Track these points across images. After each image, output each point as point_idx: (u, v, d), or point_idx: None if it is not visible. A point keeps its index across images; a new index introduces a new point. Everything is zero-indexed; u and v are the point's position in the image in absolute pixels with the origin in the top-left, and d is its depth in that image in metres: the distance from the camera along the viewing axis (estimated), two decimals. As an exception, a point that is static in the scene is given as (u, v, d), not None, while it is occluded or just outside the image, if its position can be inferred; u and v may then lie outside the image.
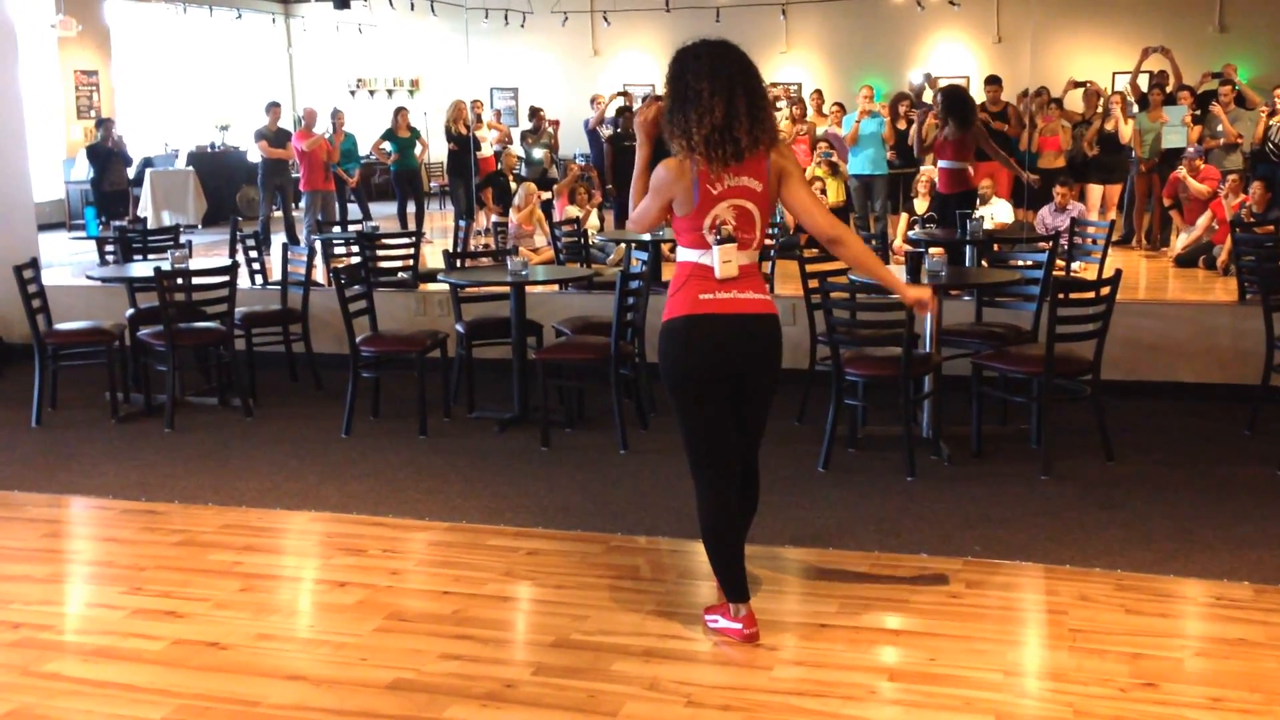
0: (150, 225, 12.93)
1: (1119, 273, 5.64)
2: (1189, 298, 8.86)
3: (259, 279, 8.54)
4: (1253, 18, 15.13)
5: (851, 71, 16.34)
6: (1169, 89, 11.97)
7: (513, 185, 11.86)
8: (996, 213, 10.53)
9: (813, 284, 5.99)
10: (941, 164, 9.11)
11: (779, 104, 13.05)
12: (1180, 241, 10.71)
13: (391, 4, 16.27)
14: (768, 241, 8.18)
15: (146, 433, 6.48)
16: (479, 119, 13.33)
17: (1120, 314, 5.78)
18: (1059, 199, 10.50)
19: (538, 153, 13.56)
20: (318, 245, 8.91)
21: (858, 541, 4.60)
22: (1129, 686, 3.40)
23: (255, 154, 13.67)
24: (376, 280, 7.58)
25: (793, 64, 17.40)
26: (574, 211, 10.86)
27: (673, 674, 3.52)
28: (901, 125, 11.70)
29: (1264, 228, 8.73)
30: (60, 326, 6.95)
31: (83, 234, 13.92)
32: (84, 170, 14.64)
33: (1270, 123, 10.93)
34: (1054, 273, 6.49)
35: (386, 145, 13.20)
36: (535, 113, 14.32)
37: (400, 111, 13.33)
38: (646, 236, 8.10)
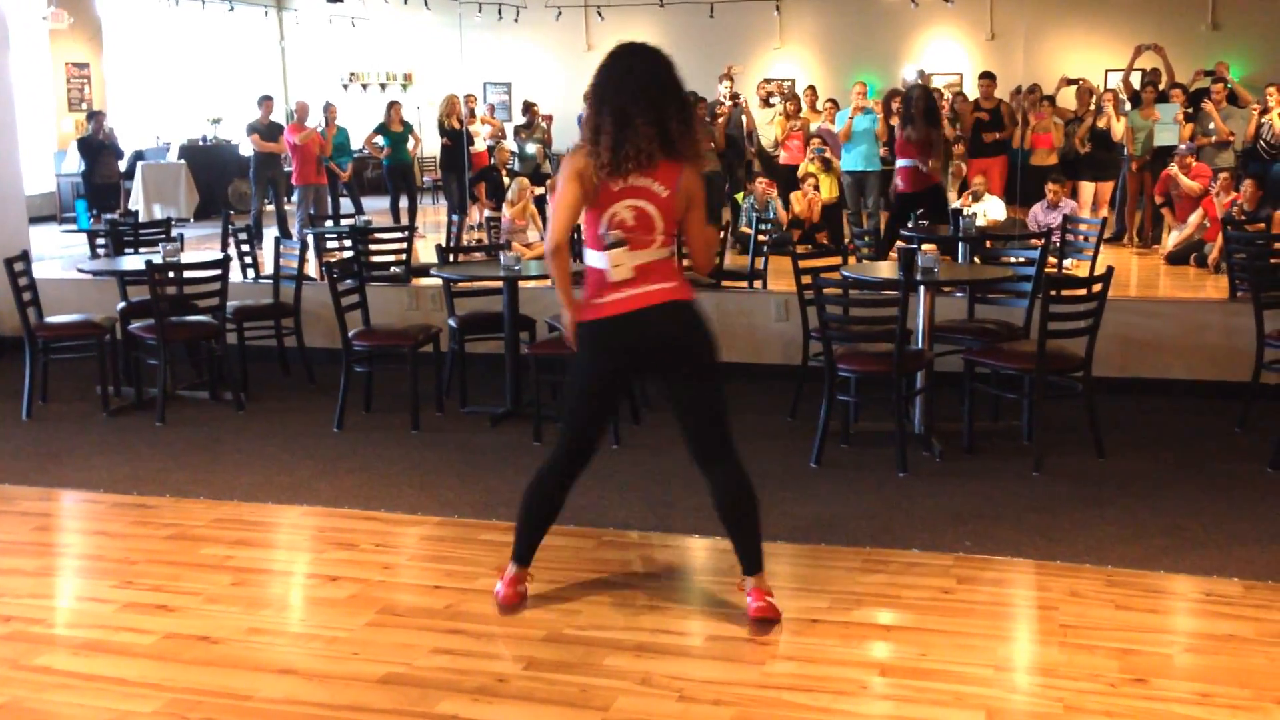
0: (141, 218, 12.90)
1: (1110, 270, 5.65)
2: (1180, 295, 8.88)
3: (251, 273, 8.52)
4: (1245, 15, 15.18)
5: (845, 68, 16.36)
6: (1161, 86, 12.00)
7: (506, 180, 11.85)
8: (989, 209, 10.54)
9: (806, 280, 6.00)
10: (903, 163, 9.11)
11: (773, 100, 13.06)
12: (1172, 239, 10.73)
13: (385, -2, 16.26)
14: (760, 237, 8.22)
15: (138, 426, 6.46)
16: (472, 113, 13.31)
17: (1112, 311, 5.79)
18: (1051, 196, 10.52)
19: (531, 147, 13.55)
20: (310, 239, 8.89)
21: (849, 537, 4.61)
22: (1119, 682, 3.41)
23: (247, 147, 13.63)
24: (369, 274, 7.57)
25: (786, 60, 17.41)
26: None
27: (665, 669, 3.53)
28: (894, 122, 11.70)
29: (1255, 225, 8.76)
30: (51, 319, 6.94)
31: (74, 227, 13.87)
32: (75, 163, 14.58)
33: (1262, 120, 10.96)
34: (1046, 270, 6.50)
35: (379, 139, 13.17)
36: (529, 107, 14.30)
37: (393, 105, 13.30)
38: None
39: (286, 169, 12.92)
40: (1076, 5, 15.47)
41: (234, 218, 9.99)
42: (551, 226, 3.73)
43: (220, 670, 3.57)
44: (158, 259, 6.78)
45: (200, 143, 17.10)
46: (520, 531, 3.99)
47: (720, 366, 3.82)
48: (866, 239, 8.93)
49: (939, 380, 6.00)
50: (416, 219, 13.10)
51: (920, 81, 13.78)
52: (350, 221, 9.55)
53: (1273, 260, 6.71)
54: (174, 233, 8.49)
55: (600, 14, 17.07)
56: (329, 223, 10.34)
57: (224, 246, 8.67)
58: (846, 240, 10.88)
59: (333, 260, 7.52)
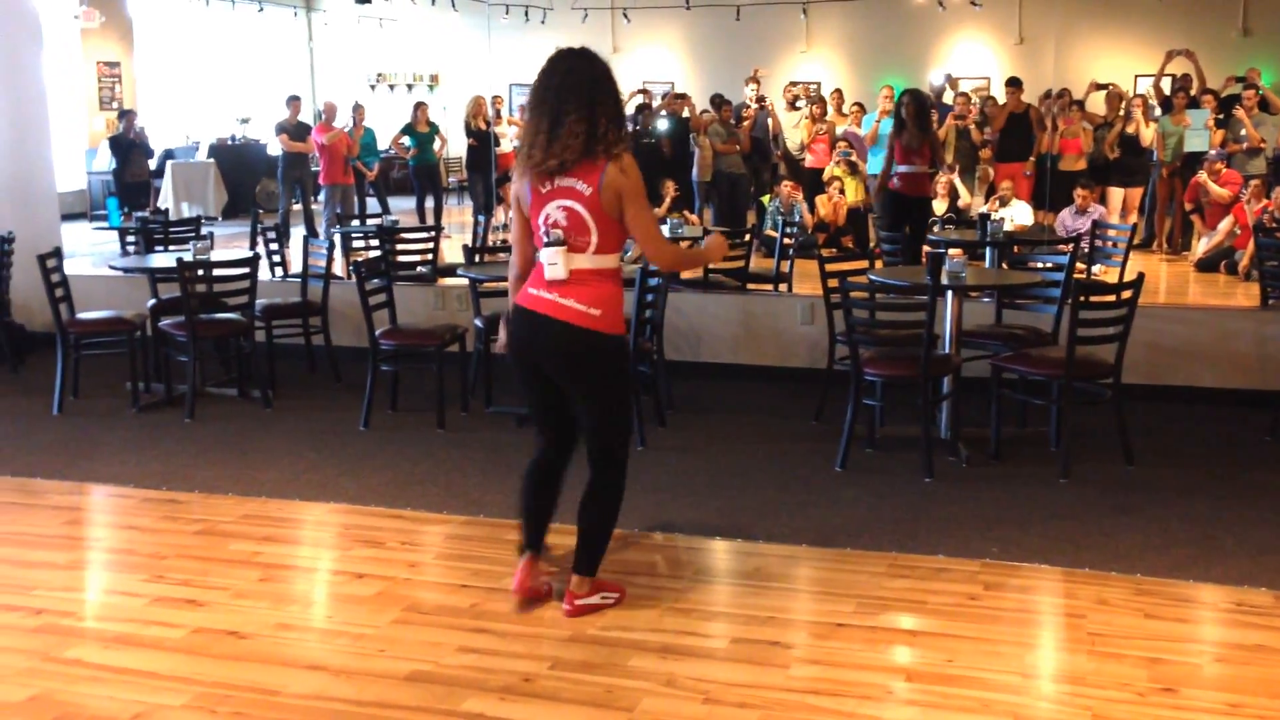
0: (171, 216, 12.99)
1: (1141, 276, 5.62)
2: (1210, 302, 8.82)
3: (279, 271, 8.57)
4: (1277, 21, 15.05)
5: (872, 71, 16.31)
6: (1192, 92, 11.91)
7: (532, 181, 11.85)
8: (1016, 215, 10.50)
9: (832, 283, 5.99)
10: (901, 169, 9.00)
11: (799, 103, 13.03)
12: (1201, 246, 10.65)
13: (413, -1, 16.33)
14: (786, 240, 8.21)
15: (167, 422, 6.51)
16: (498, 114, 13.34)
17: (1141, 318, 5.75)
18: (1080, 202, 10.47)
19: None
20: (337, 238, 8.94)
21: (875, 542, 4.60)
22: (1147, 691, 3.39)
23: (275, 147, 13.71)
24: (396, 274, 7.60)
25: (813, 63, 17.38)
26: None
27: (689, 671, 3.53)
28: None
29: (1286, 233, 8.68)
30: (82, 316, 7.00)
31: (105, 224, 13.97)
32: (106, 161, 14.71)
33: (1294, 127, 10.87)
34: (1074, 276, 6.46)
35: (406, 140, 13.22)
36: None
37: (420, 106, 13.35)
38: (663, 233, 8.11)
39: (314, 169, 12.99)
40: (1107, 9, 15.37)
41: (262, 216, 10.06)
42: (516, 263, 3.95)
43: (249, 665, 3.60)
44: (188, 257, 6.84)
45: (229, 142, 17.21)
46: (521, 516, 4.09)
47: (605, 392, 3.83)
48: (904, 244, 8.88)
49: (966, 385, 5.97)
50: (442, 219, 13.16)
51: (949, 86, 13.73)
52: (377, 221, 9.59)
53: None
54: (203, 231, 8.55)
55: (627, 16, 17.08)
56: (356, 222, 10.38)
57: (253, 245, 8.72)
58: (872, 244, 10.85)
59: (360, 259, 7.57)
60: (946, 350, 5.87)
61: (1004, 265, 7.68)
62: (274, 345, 7.37)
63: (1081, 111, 12.07)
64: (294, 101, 13.11)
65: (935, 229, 9.08)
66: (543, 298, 3.76)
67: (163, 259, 7.27)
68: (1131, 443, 5.59)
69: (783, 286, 8.07)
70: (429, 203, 13.22)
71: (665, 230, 8.40)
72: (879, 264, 8.01)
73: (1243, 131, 11.25)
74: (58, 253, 7.10)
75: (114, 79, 16.73)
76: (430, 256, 8.25)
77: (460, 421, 6.45)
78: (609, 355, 3.79)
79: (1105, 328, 5.45)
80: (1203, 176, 10.75)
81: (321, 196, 12.78)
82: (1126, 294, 5.50)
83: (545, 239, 3.75)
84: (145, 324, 7.05)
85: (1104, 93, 12.25)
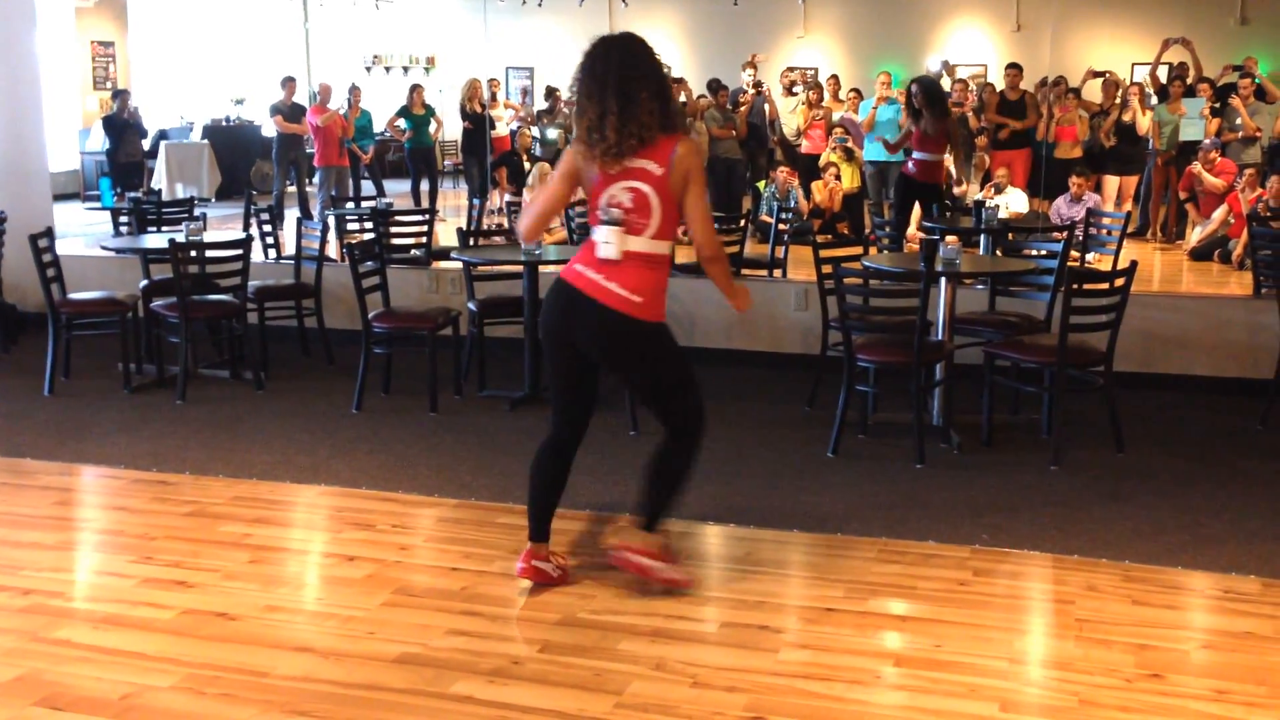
0: (164, 197, 12.95)
1: (1134, 264, 5.62)
2: (1204, 291, 8.82)
3: (272, 253, 8.55)
4: (1274, 10, 15.02)
5: (869, 57, 16.25)
6: (1189, 81, 11.89)
7: (527, 165, 11.85)
8: (1011, 202, 10.49)
9: (826, 269, 5.98)
10: (919, 155, 9.03)
11: (796, 89, 13.00)
12: (1196, 234, 10.65)
13: (409, -20, 16.25)
14: (781, 226, 8.20)
15: (158, 404, 6.50)
16: (494, 97, 13.30)
17: (1134, 306, 5.75)
18: (1075, 189, 10.46)
19: (552, 133, 13.54)
20: (331, 221, 8.91)
21: (866, 527, 4.61)
22: (1135, 677, 3.40)
23: (270, 128, 13.67)
24: (389, 257, 7.58)
25: (810, 49, 17.32)
26: (587, 192, 10.84)
27: (679, 654, 3.53)
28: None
29: (1280, 222, 8.68)
30: (74, 296, 6.97)
31: (97, 204, 13.95)
32: (99, 141, 14.65)
33: (1290, 116, 10.86)
34: (1068, 263, 6.46)
35: (401, 122, 13.18)
36: (551, 93, 14.29)
37: (416, 89, 13.31)
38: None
39: (309, 150, 12.94)
40: (1104, -3, 15.34)
41: (256, 198, 10.03)
42: (527, 221, 3.90)
43: (237, 646, 3.60)
44: (181, 238, 6.82)
45: (223, 123, 17.14)
46: (529, 504, 4.05)
47: (654, 369, 3.82)
48: (887, 229, 8.90)
49: (958, 372, 5.98)
50: (437, 202, 13.13)
51: (945, 73, 13.70)
52: (371, 204, 9.56)
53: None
54: (197, 212, 8.52)
55: (624, 0, 17.02)
56: (350, 204, 10.36)
57: (246, 226, 8.70)
58: (867, 230, 10.84)
59: (354, 242, 7.54)
60: (939, 337, 5.87)
61: (998, 252, 7.68)
62: (266, 327, 7.36)
63: (1078, 99, 12.05)
64: (289, 83, 13.06)
65: (929, 215, 9.07)
66: (587, 276, 3.73)
67: (155, 240, 7.25)
68: (1123, 430, 5.60)
69: (777, 272, 8.06)
70: (424, 185, 13.19)
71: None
72: (873, 250, 8.00)
73: (1238, 120, 11.24)
74: (50, 233, 7.08)
75: (108, 59, 16.65)
76: (424, 239, 8.23)
77: (453, 405, 6.44)
78: (649, 338, 3.76)
79: (1098, 315, 5.45)
80: (1197, 168, 10.74)
81: (316, 178, 12.75)
82: (1119, 282, 5.50)
83: (602, 217, 3.72)
84: (137, 305, 7.03)
85: (1100, 80, 12.22)
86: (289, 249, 8.33)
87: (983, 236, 7.81)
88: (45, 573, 4.18)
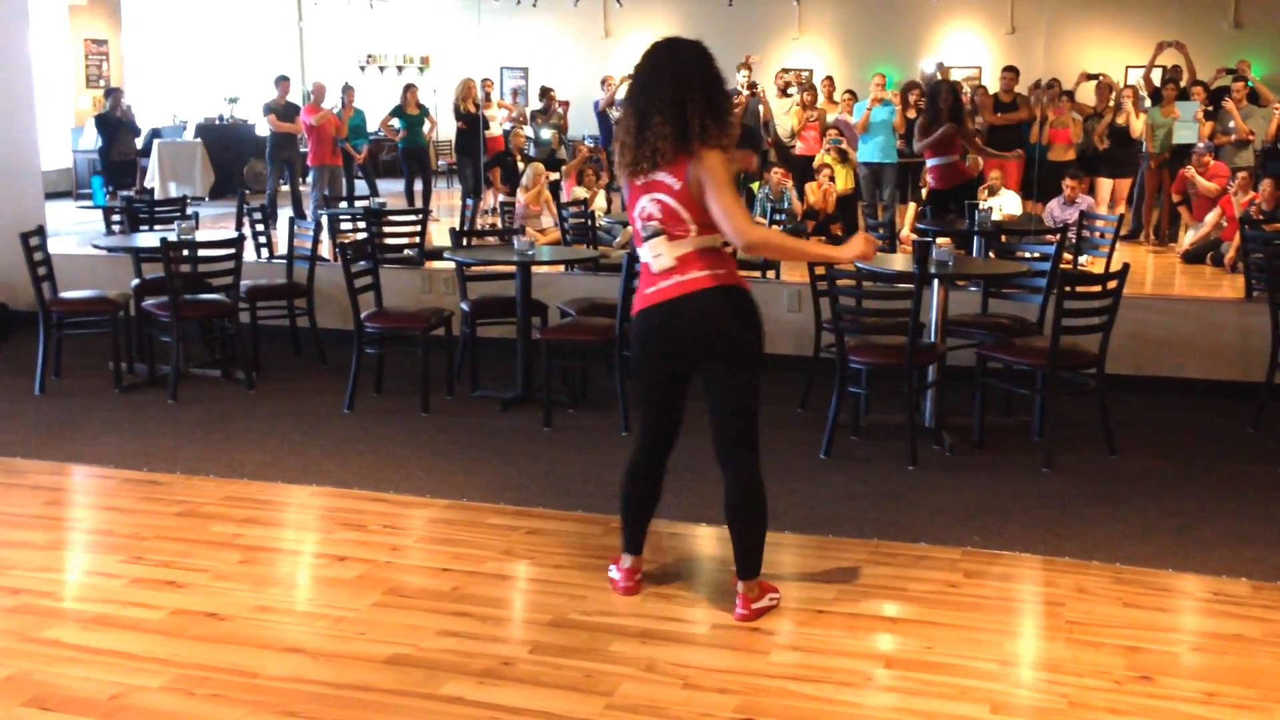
0: (157, 196, 12.93)
1: (1126, 267, 5.63)
2: (1196, 294, 8.84)
3: (265, 252, 8.53)
4: (1268, 14, 15.04)
5: (864, 59, 16.26)
6: (1182, 84, 11.92)
7: (520, 165, 11.84)
8: (1005, 204, 10.50)
9: (819, 271, 5.98)
10: (934, 161, 9.05)
11: (790, 90, 13.00)
12: (1188, 237, 10.68)
13: (403, -20, 16.24)
14: (775, 227, 8.20)
15: (149, 403, 6.48)
16: (488, 98, 13.29)
17: (1126, 308, 5.76)
18: (1068, 192, 10.47)
19: (546, 133, 13.53)
20: (324, 220, 8.90)
21: (857, 529, 4.61)
22: (1124, 679, 3.41)
23: (263, 127, 13.65)
24: (382, 257, 7.57)
25: (805, 50, 17.33)
26: (581, 193, 10.85)
27: (670, 656, 3.53)
28: (912, 114, 11.64)
29: (1273, 225, 8.70)
30: (65, 295, 6.95)
31: (89, 203, 13.91)
32: (92, 139, 14.61)
33: (1283, 120, 10.88)
34: (1061, 266, 6.47)
35: (395, 122, 13.17)
36: (545, 93, 14.27)
37: (410, 89, 13.29)
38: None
39: (302, 150, 12.92)
40: (1098, 1, 15.36)
41: (249, 197, 10.00)
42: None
43: (227, 647, 3.59)
44: (173, 237, 6.80)
45: (217, 122, 17.11)
46: (622, 519, 4.02)
47: (755, 361, 3.74)
48: (881, 231, 8.90)
49: (951, 374, 5.98)
50: (431, 202, 13.11)
51: (940, 75, 13.72)
52: (365, 203, 9.55)
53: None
54: (189, 211, 8.50)
55: (619, 1, 17.02)
56: (344, 204, 10.34)
57: (239, 226, 8.68)
58: (861, 232, 10.83)
59: (346, 242, 7.53)
60: (932, 339, 5.87)
61: (991, 254, 7.69)
62: (259, 327, 7.34)
63: (1071, 102, 12.07)
64: (283, 82, 13.03)
65: (924, 217, 9.08)
66: (664, 286, 3.67)
67: (147, 239, 7.23)
68: (1114, 433, 5.61)
69: (770, 274, 8.06)
70: (418, 185, 13.17)
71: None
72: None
73: (1231, 124, 11.27)
74: (41, 231, 7.05)
75: (101, 57, 16.61)
76: (417, 239, 8.23)
77: (445, 405, 6.43)
78: (746, 310, 3.68)
79: (1090, 318, 5.45)
80: (1190, 171, 10.76)
81: (309, 178, 12.73)
82: (1112, 284, 5.51)
83: (644, 233, 3.70)
84: (129, 304, 7.02)
85: (1094, 83, 12.25)
86: (281, 248, 8.32)
87: (976, 238, 7.82)
88: (35, 572, 4.17)
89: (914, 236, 8.60)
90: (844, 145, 11.90)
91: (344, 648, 3.58)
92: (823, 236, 11.00)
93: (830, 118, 12.52)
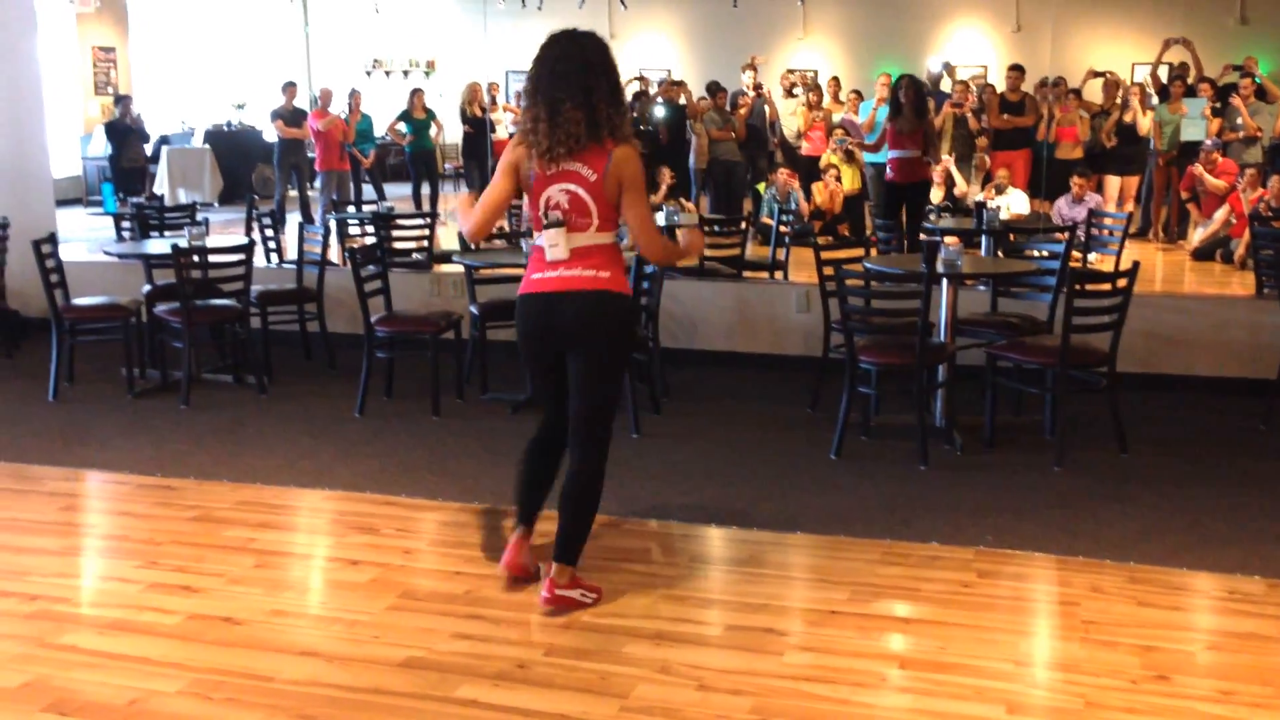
0: (166, 203, 12.97)
1: (1136, 264, 5.62)
2: (1206, 291, 8.83)
3: (275, 258, 8.55)
4: (1275, 10, 15.01)
5: (869, 59, 16.26)
6: (1189, 81, 11.89)
7: (528, 168, 11.85)
8: (1013, 203, 10.50)
9: (827, 271, 5.98)
10: (894, 154, 9.07)
11: (796, 90, 13.00)
12: (1198, 234, 10.66)
13: (409, -16, 16.27)
14: (782, 228, 8.21)
15: (162, 409, 6.51)
16: (494, 101, 13.31)
17: (1136, 306, 5.75)
18: (1076, 190, 10.46)
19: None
20: (333, 225, 8.92)
21: (869, 529, 4.61)
22: (1140, 678, 3.40)
23: (271, 133, 13.68)
24: (391, 260, 7.59)
25: (810, 50, 17.33)
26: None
27: (683, 657, 3.54)
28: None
29: (1282, 221, 8.68)
30: (77, 302, 6.98)
31: (100, 210, 13.95)
32: (101, 146, 14.67)
33: (1290, 115, 10.86)
34: (1070, 264, 6.47)
35: (402, 126, 13.19)
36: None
37: (416, 93, 13.32)
38: (660, 220, 8.11)
39: (310, 155, 12.96)
40: (1104, -2, 15.34)
41: (258, 203, 10.03)
42: (475, 218, 3.91)
43: (243, 651, 3.60)
44: (183, 243, 6.82)
45: (225, 128, 17.15)
46: (514, 495, 4.13)
47: (618, 363, 3.88)
48: (889, 231, 8.90)
49: (961, 374, 5.98)
50: (439, 205, 13.14)
51: (946, 74, 13.71)
52: (373, 207, 9.57)
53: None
54: (199, 217, 8.53)
55: (624, 2, 17.00)
56: (352, 208, 10.37)
57: (248, 231, 8.71)
58: (868, 232, 10.84)
59: (355, 246, 7.55)
60: (941, 338, 5.87)
61: (1000, 253, 7.68)
62: (269, 332, 7.36)
63: (1078, 100, 12.05)
64: (290, 87, 13.08)
65: (931, 217, 9.08)
66: (548, 278, 3.77)
67: (158, 245, 7.25)
68: (1126, 431, 5.60)
69: (778, 274, 8.07)
70: (425, 189, 13.20)
71: (660, 218, 8.39)
72: (874, 252, 8.01)
73: (1239, 120, 11.24)
74: (53, 238, 7.07)
75: (109, 64, 16.67)
76: (426, 243, 8.24)
77: (455, 408, 6.45)
78: (619, 316, 3.80)
79: (1100, 316, 5.45)
80: (1198, 168, 10.74)
81: (317, 183, 12.76)
82: (1121, 282, 5.50)
83: (544, 220, 3.76)
84: (140, 310, 7.04)
85: (1101, 81, 12.23)
86: (291, 253, 8.34)
87: (984, 238, 7.81)
88: (51, 578, 4.19)
89: (922, 236, 8.59)
90: (850, 145, 11.89)
91: (358, 651, 3.59)
92: (830, 237, 10.99)
93: (836, 118, 12.51)
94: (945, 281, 5.84)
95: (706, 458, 5.58)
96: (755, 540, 4.53)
